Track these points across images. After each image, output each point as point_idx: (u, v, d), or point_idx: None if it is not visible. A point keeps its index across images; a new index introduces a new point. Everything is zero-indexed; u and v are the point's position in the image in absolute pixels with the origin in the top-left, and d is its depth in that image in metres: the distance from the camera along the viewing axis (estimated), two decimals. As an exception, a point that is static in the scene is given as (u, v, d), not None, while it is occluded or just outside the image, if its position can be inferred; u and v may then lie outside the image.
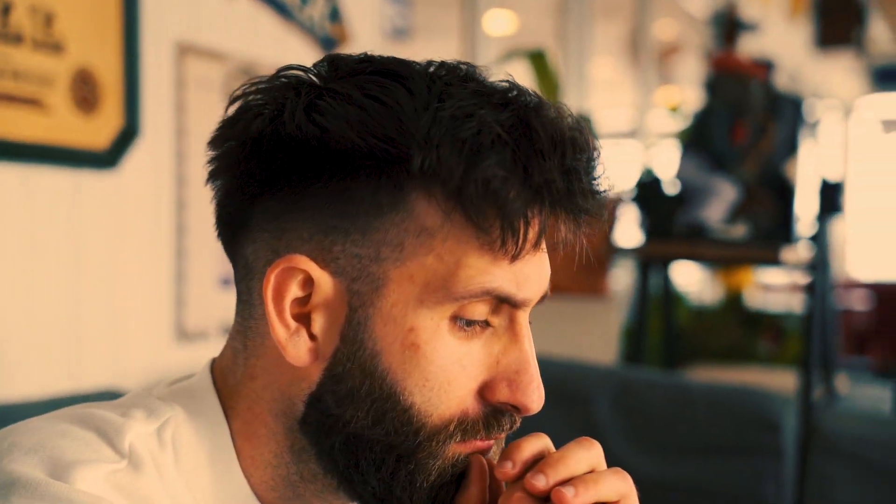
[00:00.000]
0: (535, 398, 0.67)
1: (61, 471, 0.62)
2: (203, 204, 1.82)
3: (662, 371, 2.22)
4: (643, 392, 1.72)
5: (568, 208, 0.65)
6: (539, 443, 0.67)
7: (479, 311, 0.66)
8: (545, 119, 0.65)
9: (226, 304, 1.89)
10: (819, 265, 2.09)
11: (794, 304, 4.35)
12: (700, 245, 1.97)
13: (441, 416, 0.66)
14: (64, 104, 1.56)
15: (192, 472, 0.69)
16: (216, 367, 0.73)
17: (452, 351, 0.66)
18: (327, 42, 2.19)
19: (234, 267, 0.71)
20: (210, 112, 1.84)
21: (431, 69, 0.67)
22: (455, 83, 0.66)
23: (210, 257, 1.85)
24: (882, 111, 9.15)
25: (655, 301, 2.69)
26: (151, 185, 1.75)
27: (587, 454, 0.66)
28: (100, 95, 1.62)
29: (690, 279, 4.95)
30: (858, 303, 6.66)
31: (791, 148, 2.17)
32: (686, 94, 5.34)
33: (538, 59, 2.71)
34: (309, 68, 0.69)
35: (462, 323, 0.66)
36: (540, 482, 0.64)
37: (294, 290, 0.66)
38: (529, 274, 0.67)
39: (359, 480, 0.68)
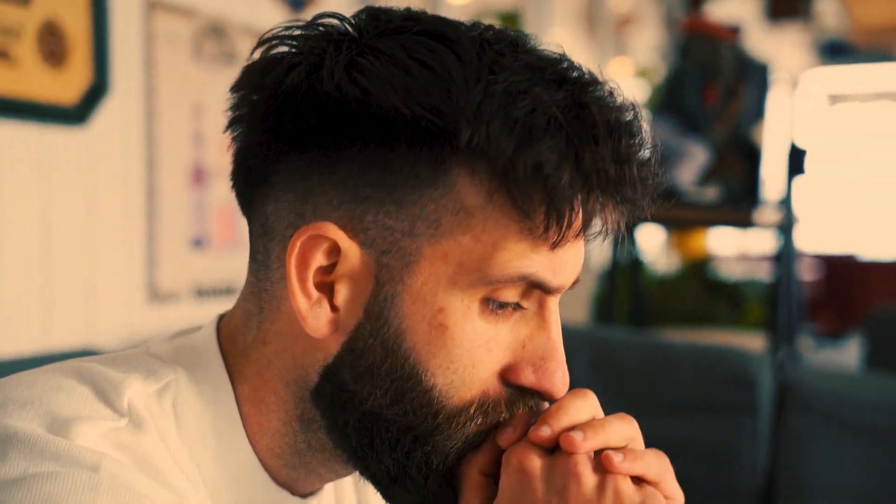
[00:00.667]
0: (560, 385, 0.66)
1: (60, 426, 0.59)
2: (174, 164, 1.78)
3: (635, 332, 2.24)
4: (620, 352, 1.73)
5: (617, 197, 0.62)
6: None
7: (511, 294, 0.64)
8: (600, 101, 0.61)
9: (197, 265, 1.85)
10: (787, 227, 2.12)
11: (751, 272, 4.42)
12: (674, 208, 1.97)
13: (462, 398, 0.64)
14: (31, 56, 1.51)
15: (195, 436, 0.65)
16: (224, 328, 0.69)
17: (481, 333, 0.63)
18: (296, 1, 2.15)
19: (250, 223, 0.67)
20: (179, 70, 1.79)
21: (479, 33, 0.63)
22: (507, 52, 0.62)
23: (181, 218, 1.81)
24: (828, 85, 9.30)
25: (622, 266, 2.71)
26: (121, 143, 1.71)
27: (585, 403, 0.66)
28: (68, 49, 1.57)
29: (646, 248, 5.02)
30: (806, 273, 6.80)
31: (758, 112, 2.18)
32: (640, 64, 5.38)
33: (511, 21, 2.69)
34: (346, 18, 0.65)
35: (494, 306, 0.64)
36: (545, 432, 0.64)
37: (319, 259, 0.62)
38: (567, 261, 0.64)
39: (372, 459, 0.66)
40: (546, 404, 0.66)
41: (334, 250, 0.62)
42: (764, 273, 4.59)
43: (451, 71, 0.60)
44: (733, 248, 6.49)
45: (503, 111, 0.59)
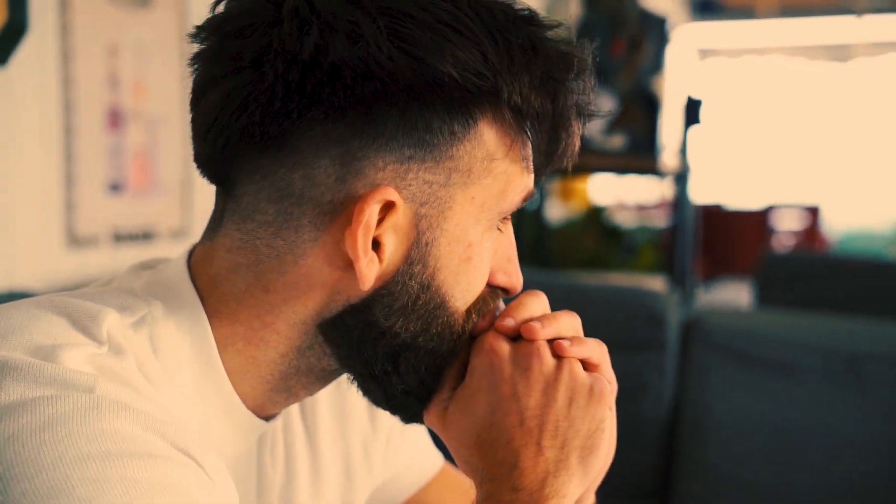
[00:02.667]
0: (520, 280, 0.77)
1: (45, 353, 0.61)
2: (91, 107, 1.75)
3: (544, 274, 2.32)
4: (536, 292, 1.80)
5: (584, 128, 0.75)
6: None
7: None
8: (572, 42, 0.72)
9: (115, 210, 1.83)
10: (683, 175, 2.24)
11: (642, 219, 4.59)
12: (583, 155, 2.05)
13: (467, 309, 0.74)
14: (-53, -6, 1.46)
15: (172, 366, 0.69)
16: (199, 271, 0.72)
17: (489, 255, 0.73)
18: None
19: (239, 184, 0.70)
20: (95, 10, 1.75)
21: None
22: (493, 6, 0.69)
23: (99, 161, 1.78)
24: (699, 40, 9.59)
25: (526, 211, 2.80)
26: (39, 84, 1.67)
27: (539, 300, 0.77)
28: (-17, -13, 1.52)
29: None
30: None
31: (657, 65, 2.28)
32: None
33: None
34: None
35: (497, 228, 0.74)
36: (509, 322, 0.74)
37: (375, 220, 0.67)
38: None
39: (395, 381, 0.73)
40: (502, 303, 0.77)
41: (386, 209, 0.67)
42: (653, 220, 4.79)
43: (477, 32, 0.67)
44: (614, 196, 6.70)
45: (527, 66, 0.67)
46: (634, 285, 1.88)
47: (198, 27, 0.71)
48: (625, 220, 5.38)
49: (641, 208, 6.79)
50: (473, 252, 0.71)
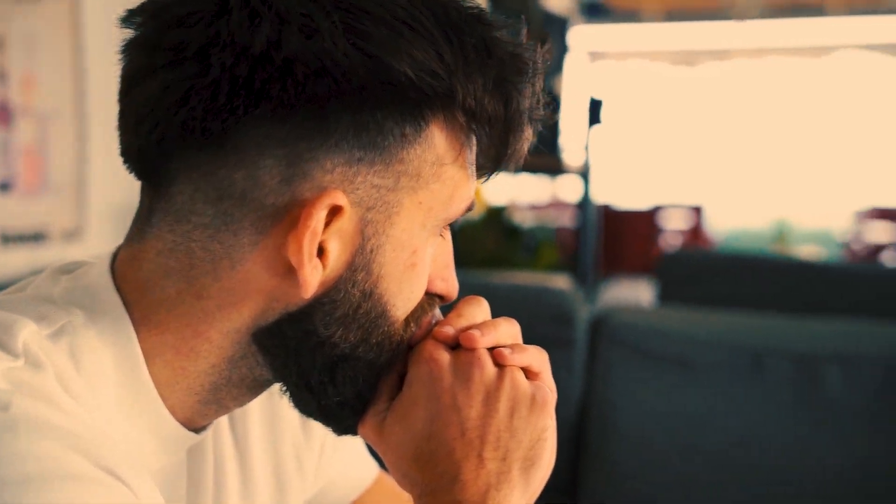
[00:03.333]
0: (457, 287, 0.75)
1: None
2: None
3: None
4: (445, 292, 1.79)
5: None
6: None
7: None
8: (522, 43, 0.69)
9: (5, 209, 1.74)
10: (586, 174, 2.26)
11: (540, 219, 4.62)
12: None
13: (406, 318, 0.71)
14: None
15: (95, 377, 0.65)
16: (125, 278, 0.68)
17: (430, 262, 0.71)
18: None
19: (173, 183, 0.66)
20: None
21: None
22: (447, 3, 0.67)
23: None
24: (588, 43, 9.77)
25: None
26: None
27: (479, 307, 0.75)
28: None
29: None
30: (571, 222, 7.22)
31: (559, 65, 2.30)
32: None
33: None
34: None
35: (440, 234, 0.71)
36: (448, 330, 0.72)
37: (321, 225, 0.64)
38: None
39: (330, 392, 0.70)
40: (438, 311, 0.75)
41: (332, 214, 0.64)
42: (549, 219, 4.85)
43: (432, 30, 0.64)
44: (507, 196, 6.77)
45: (481, 68, 0.65)
46: (541, 284, 1.89)
47: (130, 11, 0.66)
48: (521, 219, 5.45)
49: (534, 208, 6.88)
50: (418, 259, 0.69)
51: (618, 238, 7.14)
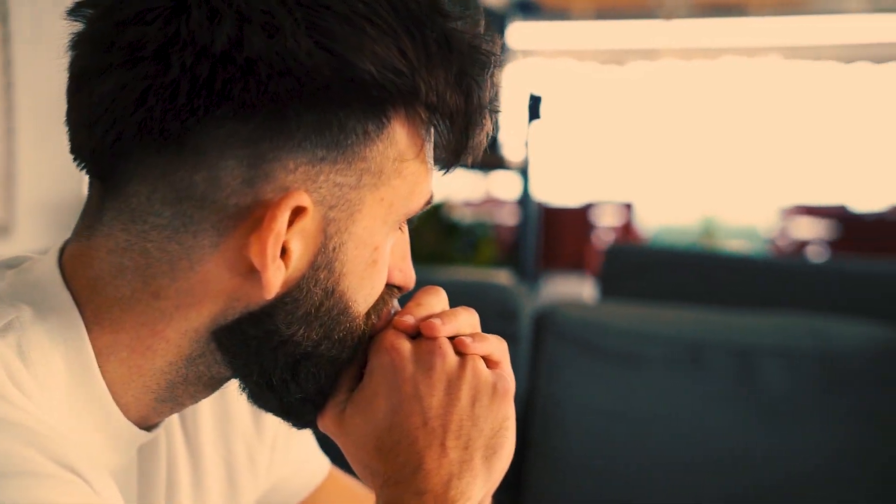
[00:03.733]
0: (414, 277, 0.76)
1: None
2: None
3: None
4: (389, 288, 1.78)
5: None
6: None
7: None
8: (478, 35, 0.69)
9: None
10: (526, 170, 2.26)
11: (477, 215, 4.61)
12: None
13: (367, 312, 0.71)
14: None
15: (44, 374, 0.64)
16: (75, 275, 0.67)
17: (388, 255, 0.71)
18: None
19: (140, 183, 0.64)
20: None
21: None
22: None
23: None
24: (520, 40, 9.83)
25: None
26: None
27: (438, 297, 0.76)
28: None
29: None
30: (507, 218, 7.27)
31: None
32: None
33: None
34: None
35: (399, 228, 0.71)
36: (409, 320, 0.73)
37: (285, 225, 0.63)
38: None
39: (293, 390, 0.70)
40: (396, 302, 0.75)
41: (295, 214, 0.63)
42: (485, 216, 4.88)
43: (394, 25, 0.63)
44: (442, 193, 6.79)
45: (442, 63, 0.65)
46: (484, 279, 1.89)
47: (79, 4, 0.64)
48: (458, 216, 5.51)
49: (469, 205, 6.92)
50: (379, 255, 0.69)
51: (552, 234, 7.21)
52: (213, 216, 0.63)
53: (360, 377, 0.73)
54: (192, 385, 0.69)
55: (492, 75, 0.68)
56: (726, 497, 1.68)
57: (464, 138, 0.69)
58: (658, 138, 10.50)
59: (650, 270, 2.19)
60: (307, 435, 0.94)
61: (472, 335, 0.74)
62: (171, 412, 0.72)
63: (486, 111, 0.69)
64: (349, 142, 0.64)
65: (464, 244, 3.73)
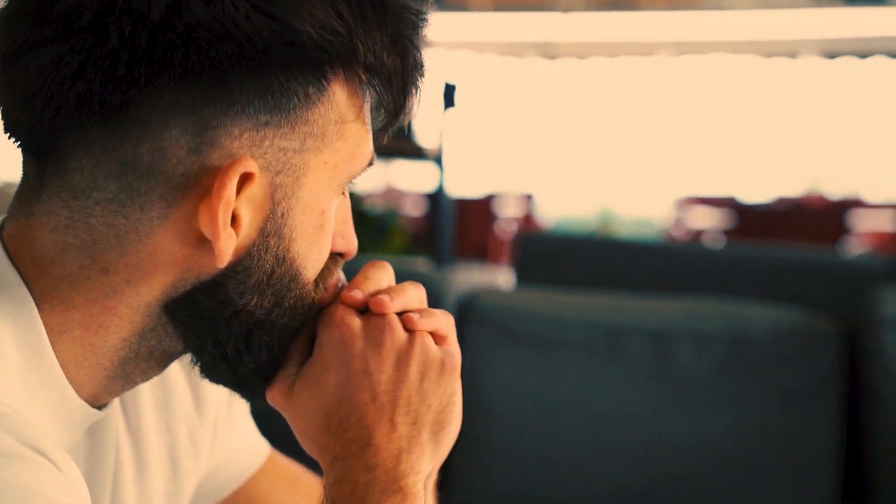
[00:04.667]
0: (356, 243, 0.76)
1: None
2: None
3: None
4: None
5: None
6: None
7: None
8: None
9: None
10: (440, 158, 2.27)
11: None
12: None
13: (315, 279, 0.71)
14: None
15: None
16: (19, 254, 0.65)
17: (334, 221, 0.71)
18: None
19: (82, 158, 0.63)
20: None
21: None
22: None
23: None
24: (440, 33, 9.87)
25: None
26: None
27: (385, 272, 0.77)
28: None
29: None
30: (411, 208, 7.30)
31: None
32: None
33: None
34: None
35: (342, 192, 0.72)
36: (357, 295, 0.73)
37: (234, 193, 0.63)
38: None
39: (246, 360, 0.70)
40: (342, 273, 0.75)
41: (243, 181, 0.63)
42: (395, 205, 4.88)
43: None
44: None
45: (378, 24, 0.66)
46: (405, 267, 1.89)
47: None
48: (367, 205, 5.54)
49: (371, 195, 6.92)
50: (325, 219, 0.70)
51: (457, 224, 7.30)
52: (161, 187, 0.63)
53: (309, 351, 0.73)
54: (143, 361, 0.68)
55: (423, 37, 0.70)
56: (646, 478, 1.72)
57: (401, 98, 0.70)
58: (557, 131, 10.66)
59: (565, 257, 2.22)
60: (247, 418, 0.94)
61: (420, 311, 0.74)
62: (123, 390, 0.71)
63: (421, 71, 0.70)
64: (291, 105, 0.64)
65: (374, 233, 3.73)
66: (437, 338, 0.75)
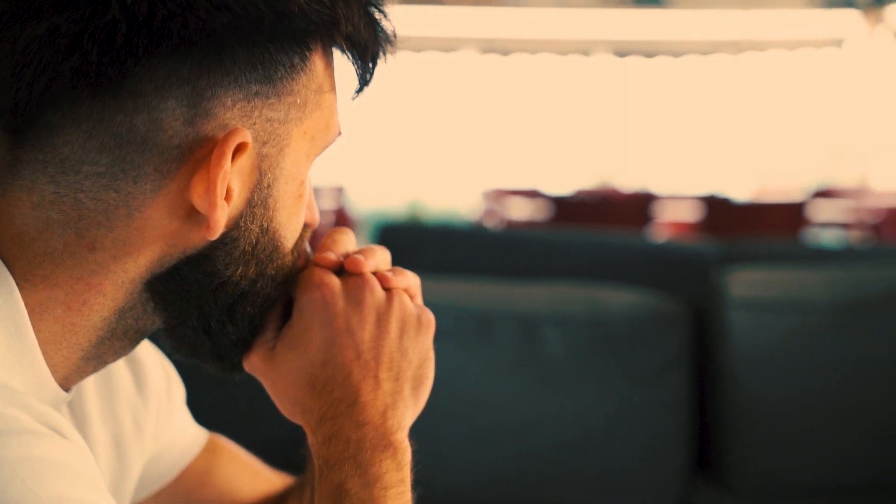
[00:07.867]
0: (318, 214, 0.78)
1: None
2: None
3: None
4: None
5: None
6: None
7: None
8: None
9: None
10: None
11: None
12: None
13: (291, 248, 0.73)
14: None
15: None
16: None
17: (309, 191, 0.73)
18: None
19: (72, 132, 0.61)
20: None
21: None
22: None
23: None
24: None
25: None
26: None
27: (349, 237, 0.79)
28: None
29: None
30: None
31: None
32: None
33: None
34: None
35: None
36: (331, 256, 0.75)
37: (229, 164, 0.63)
38: None
39: (230, 331, 0.70)
40: (307, 242, 0.77)
41: (237, 152, 0.64)
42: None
43: None
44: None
45: None
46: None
47: None
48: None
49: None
50: (303, 189, 0.71)
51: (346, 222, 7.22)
52: (156, 158, 0.62)
53: (286, 315, 0.73)
54: (118, 340, 0.67)
55: (387, 8, 0.72)
56: (516, 459, 1.78)
57: (371, 67, 0.72)
58: (367, 125, 10.70)
59: (424, 246, 2.26)
60: (183, 404, 0.92)
61: (392, 269, 0.77)
62: (94, 371, 0.70)
63: (390, 42, 0.72)
64: (279, 75, 0.65)
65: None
66: (409, 295, 0.77)
